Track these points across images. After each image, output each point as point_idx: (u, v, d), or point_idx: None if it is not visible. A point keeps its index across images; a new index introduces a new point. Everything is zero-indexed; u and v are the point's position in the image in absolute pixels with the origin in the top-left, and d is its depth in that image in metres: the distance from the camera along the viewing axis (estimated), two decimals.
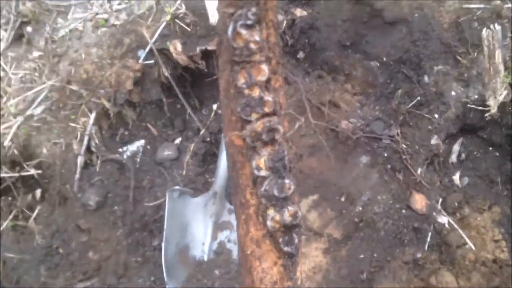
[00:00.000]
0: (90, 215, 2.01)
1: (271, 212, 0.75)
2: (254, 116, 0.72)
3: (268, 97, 0.71)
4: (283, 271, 0.80)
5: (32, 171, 2.10)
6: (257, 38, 0.68)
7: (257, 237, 0.79)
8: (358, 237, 1.76)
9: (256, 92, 0.71)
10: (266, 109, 0.71)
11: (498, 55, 1.74)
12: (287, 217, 0.75)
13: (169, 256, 1.83)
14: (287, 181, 0.73)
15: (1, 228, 2.06)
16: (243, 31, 0.67)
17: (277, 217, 0.75)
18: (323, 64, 2.05)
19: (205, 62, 2.14)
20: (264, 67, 0.70)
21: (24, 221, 2.08)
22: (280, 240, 0.77)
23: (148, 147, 2.15)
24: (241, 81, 0.70)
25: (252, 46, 0.68)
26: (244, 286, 0.84)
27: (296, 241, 0.79)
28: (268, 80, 0.72)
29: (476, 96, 1.79)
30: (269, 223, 0.76)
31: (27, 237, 2.04)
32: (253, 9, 0.67)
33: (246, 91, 0.71)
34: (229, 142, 0.78)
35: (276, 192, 0.73)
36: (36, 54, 2.36)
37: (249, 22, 0.67)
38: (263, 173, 0.74)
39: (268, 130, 0.72)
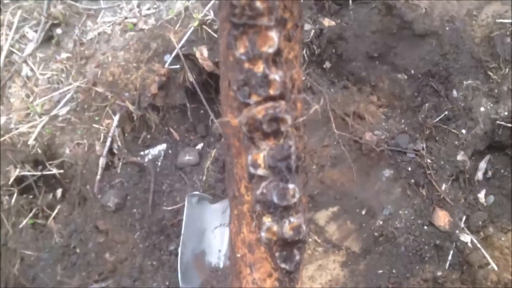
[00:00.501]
0: (108, 216, 2.13)
1: (267, 220, 0.63)
2: (254, 98, 0.57)
3: (275, 75, 0.56)
4: (278, 286, 0.68)
5: (54, 171, 2.25)
6: None
7: (250, 240, 0.67)
8: (377, 251, 1.82)
9: (260, 67, 0.55)
10: (271, 91, 0.57)
11: None
12: (287, 230, 0.62)
13: (185, 261, 1.93)
14: (291, 186, 0.60)
15: (21, 226, 2.20)
16: None
17: (274, 228, 0.63)
18: (349, 74, 2.14)
19: None
20: (273, 35, 0.54)
21: (44, 220, 2.22)
22: (277, 254, 0.66)
23: (170, 151, 2.27)
24: (240, 50, 0.55)
25: (258, 4, 0.52)
26: None
27: (297, 258, 0.66)
28: (277, 52, 0.56)
29: (506, 113, 1.84)
30: (263, 234, 0.64)
31: (46, 235, 2.18)
32: None
33: (246, 65, 0.56)
34: (224, 121, 0.65)
35: (275, 199, 0.60)
36: (64, 55, 2.53)
37: None
38: (260, 172, 0.60)
39: (270, 119, 0.57)
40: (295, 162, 0.60)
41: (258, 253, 0.67)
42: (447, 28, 1.94)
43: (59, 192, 2.27)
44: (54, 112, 2.35)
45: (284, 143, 0.59)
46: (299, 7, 0.60)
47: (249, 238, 0.68)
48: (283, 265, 0.66)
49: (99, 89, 2.30)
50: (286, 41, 0.59)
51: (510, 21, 1.94)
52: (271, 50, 0.55)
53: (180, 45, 2.31)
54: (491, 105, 1.87)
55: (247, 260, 0.68)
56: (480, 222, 1.83)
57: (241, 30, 0.54)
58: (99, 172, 2.21)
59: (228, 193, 0.70)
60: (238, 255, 0.70)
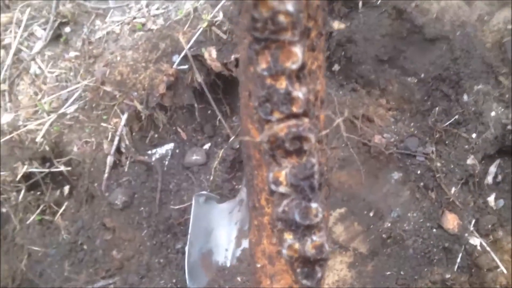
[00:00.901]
0: (116, 214, 2.18)
1: (289, 237, 0.63)
2: (276, 115, 0.56)
3: (299, 92, 0.55)
4: None
5: (62, 168, 2.30)
6: (290, 7, 0.50)
7: (270, 252, 0.68)
8: (385, 253, 1.86)
9: (282, 84, 0.54)
10: (294, 109, 0.56)
11: None
12: (309, 249, 0.62)
13: (192, 259, 1.97)
14: (314, 205, 0.59)
15: (28, 222, 2.25)
16: None
17: (296, 246, 0.63)
18: (358, 77, 2.19)
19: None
20: (297, 51, 0.53)
21: (51, 216, 2.27)
22: (299, 270, 0.66)
23: (177, 151, 2.32)
24: (262, 65, 0.54)
25: (282, 19, 0.50)
26: None
27: (319, 275, 0.66)
28: (301, 68, 0.55)
29: None
30: (285, 252, 0.64)
31: (53, 232, 2.22)
32: None
33: (268, 80, 0.54)
34: (244, 128, 0.65)
35: (297, 218, 0.60)
36: (72, 54, 2.59)
37: None
38: (282, 189, 0.60)
39: (293, 137, 0.57)
40: (318, 180, 0.59)
41: (279, 265, 0.67)
42: (458, 33, 1.99)
43: (66, 189, 2.32)
44: (62, 110, 2.40)
45: (306, 161, 0.58)
46: (324, 15, 0.58)
47: (269, 250, 0.68)
48: (304, 281, 0.66)
49: (107, 88, 2.35)
50: (309, 51, 0.58)
51: None
52: (294, 66, 0.53)
53: (188, 45, 2.36)
54: (502, 110, 1.92)
55: (267, 271, 0.69)
56: (489, 226, 1.88)
57: (263, 45, 0.53)
58: (107, 170, 2.25)
59: (248, 201, 0.71)
60: (258, 265, 0.70)
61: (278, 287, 0.69)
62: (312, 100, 0.59)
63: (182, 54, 2.38)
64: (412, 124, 2.08)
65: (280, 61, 0.53)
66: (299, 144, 0.57)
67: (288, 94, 0.55)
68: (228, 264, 2.00)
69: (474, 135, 1.92)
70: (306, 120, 0.57)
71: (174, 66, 2.38)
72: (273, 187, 0.61)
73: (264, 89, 0.55)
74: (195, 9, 2.50)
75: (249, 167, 0.67)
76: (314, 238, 0.62)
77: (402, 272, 1.81)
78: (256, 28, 0.52)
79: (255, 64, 0.54)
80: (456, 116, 1.96)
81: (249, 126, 0.62)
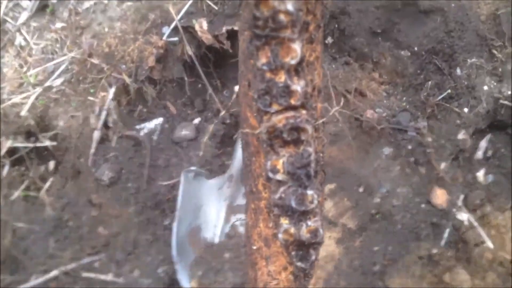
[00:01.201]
0: (102, 190, 2.21)
1: (285, 222, 0.68)
2: (275, 107, 0.61)
3: (297, 85, 0.59)
4: (292, 280, 0.74)
5: (47, 143, 2.32)
6: (290, 7, 0.53)
7: (267, 235, 0.73)
8: (373, 229, 1.90)
9: (281, 78, 0.59)
10: (292, 101, 0.60)
11: None
12: (304, 233, 0.67)
13: (179, 236, 2.01)
14: (309, 192, 0.64)
15: (12, 198, 2.28)
16: None
17: (292, 230, 0.67)
18: (351, 50, 2.20)
19: (230, 43, 2.31)
20: (296, 47, 0.57)
21: (36, 192, 2.30)
22: (293, 253, 0.71)
23: (166, 125, 2.34)
24: (262, 60, 0.58)
25: (282, 17, 0.54)
26: (249, 279, 0.80)
27: (313, 257, 0.72)
28: (300, 62, 0.59)
29: (509, 92, 1.91)
30: (280, 236, 0.69)
31: (38, 207, 2.25)
32: None
33: (268, 74, 0.59)
34: (243, 116, 0.69)
35: (294, 204, 0.64)
36: (59, 25, 2.58)
37: None
38: (279, 177, 0.65)
39: (290, 128, 0.61)
40: (314, 169, 0.64)
41: (274, 247, 0.72)
42: (452, 5, 2.00)
43: (51, 164, 2.35)
44: (48, 83, 2.41)
45: (303, 151, 0.63)
46: (322, 8, 0.63)
47: (265, 233, 0.73)
48: (298, 264, 0.72)
49: (95, 60, 2.36)
50: (308, 44, 0.62)
51: None
52: (293, 62, 0.58)
53: (179, 17, 2.36)
54: (495, 83, 1.94)
55: (263, 253, 0.73)
56: (478, 201, 1.92)
57: (264, 41, 0.57)
58: (93, 145, 2.28)
59: (245, 186, 0.75)
60: (254, 247, 0.75)
61: (273, 268, 0.74)
62: (309, 92, 0.63)
63: (172, 26, 2.38)
64: (404, 98, 2.10)
65: (279, 57, 0.57)
66: (297, 135, 0.62)
67: (286, 87, 0.59)
68: (217, 241, 2.04)
69: (466, 110, 1.94)
70: (303, 111, 0.62)
71: (164, 38, 2.38)
72: (270, 174, 0.65)
73: (264, 83, 0.59)
74: None
75: (247, 153, 0.72)
76: (309, 223, 0.66)
77: (389, 248, 1.85)
78: (257, 26, 0.55)
79: (255, 59, 0.59)
80: (449, 91, 1.98)
81: (248, 114, 0.67)
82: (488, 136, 2.01)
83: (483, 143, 2.00)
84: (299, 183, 0.64)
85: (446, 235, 1.88)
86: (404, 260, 1.82)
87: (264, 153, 0.66)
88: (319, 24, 0.64)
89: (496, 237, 1.85)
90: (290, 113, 0.61)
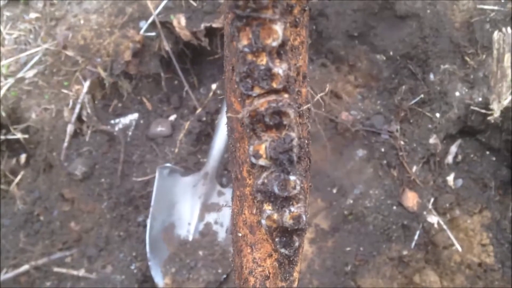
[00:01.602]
0: (75, 185, 2.15)
1: (268, 208, 0.66)
2: (256, 90, 0.59)
3: (279, 68, 0.58)
4: (277, 267, 0.73)
5: (19, 135, 2.24)
6: None
7: (251, 222, 0.71)
8: (346, 229, 1.91)
9: (263, 60, 0.57)
10: (274, 84, 0.58)
11: (507, 59, 1.89)
12: (287, 219, 0.65)
13: (153, 232, 1.98)
14: (292, 177, 0.62)
15: None
16: None
17: (275, 216, 0.66)
18: (328, 53, 2.20)
19: (208, 40, 2.27)
20: (278, 28, 0.55)
21: (6, 186, 2.22)
22: (277, 239, 0.70)
23: (141, 121, 2.29)
24: (243, 42, 0.56)
25: None
26: (235, 266, 0.79)
27: (297, 244, 0.70)
28: (282, 44, 0.57)
29: (480, 99, 1.94)
30: (264, 222, 0.67)
31: (8, 201, 2.18)
32: None
33: (249, 57, 0.57)
34: (227, 102, 0.68)
35: (276, 190, 0.63)
36: (33, 15, 2.49)
37: None
38: (262, 162, 0.63)
39: (272, 112, 0.59)
40: (297, 154, 0.62)
41: (259, 234, 0.71)
42: (428, 11, 2.01)
43: (23, 157, 2.27)
44: (20, 75, 2.33)
45: (286, 136, 0.61)
46: None
47: (250, 220, 0.71)
48: (282, 250, 0.70)
49: (69, 52, 2.29)
50: (292, 28, 0.60)
51: (490, 7, 2.02)
52: (275, 44, 0.56)
53: (157, 11, 2.31)
54: (466, 90, 1.96)
55: (248, 240, 0.72)
56: (447, 204, 1.94)
57: (244, 22, 0.55)
58: (67, 139, 2.21)
59: (231, 171, 0.74)
60: (240, 235, 0.74)
61: (258, 255, 0.72)
62: (293, 76, 0.61)
63: (150, 20, 2.32)
64: (378, 102, 2.11)
65: (260, 38, 0.55)
66: (279, 119, 0.60)
67: (268, 70, 0.57)
68: (190, 238, 2.02)
69: (437, 115, 1.96)
70: (286, 95, 0.60)
71: (141, 32, 2.32)
72: (253, 160, 0.63)
73: (245, 65, 0.57)
74: None
75: (232, 139, 0.70)
76: (292, 209, 0.64)
77: (361, 248, 1.86)
78: (237, 6, 0.54)
79: (236, 41, 0.57)
80: (422, 95, 1.99)
81: (232, 99, 0.65)
82: (459, 141, 2.04)
83: (453, 148, 2.03)
84: (282, 169, 0.62)
85: (416, 237, 1.90)
86: (375, 261, 1.83)
87: (247, 138, 0.65)
88: (304, 8, 0.61)
89: (465, 240, 1.88)
90: (272, 97, 0.59)
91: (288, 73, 0.58)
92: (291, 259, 0.72)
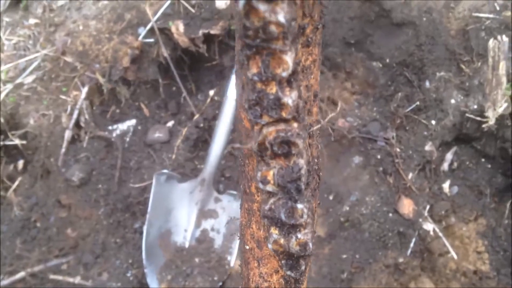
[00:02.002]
0: (72, 191, 2.14)
1: (275, 232, 0.65)
2: (265, 119, 0.57)
3: (288, 98, 0.55)
4: (283, 284, 0.73)
5: (17, 141, 2.23)
6: (281, 18, 0.49)
7: (259, 237, 0.71)
8: (342, 236, 1.90)
9: (273, 89, 0.55)
10: (283, 114, 0.56)
11: (502, 67, 1.88)
12: (293, 245, 0.64)
13: (150, 239, 1.97)
14: (300, 206, 0.61)
15: None
16: (261, 7, 0.49)
17: (281, 241, 0.65)
18: (325, 59, 2.19)
19: (206, 46, 2.27)
20: (288, 59, 0.53)
21: (4, 191, 2.21)
22: (283, 262, 0.69)
23: (139, 127, 2.28)
24: (253, 70, 0.54)
25: (273, 29, 0.50)
26: (242, 274, 0.79)
27: (303, 267, 0.69)
28: (292, 74, 0.55)
29: (475, 106, 1.94)
30: (270, 246, 0.66)
31: (5, 207, 2.17)
32: None
33: (259, 85, 0.55)
34: (237, 114, 0.66)
35: (283, 217, 0.62)
36: (32, 21, 2.49)
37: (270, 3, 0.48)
38: (270, 188, 0.62)
39: (281, 141, 0.58)
40: (304, 183, 0.61)
41: (266, 250, 0.70)
42: (424, 19, 2.01)
43: (20, 163, 2.27)
44: (19, 80, 2.32)
45: (294, 165, 0.59)
46: (320, 8, 0.58)
47: (257, 235, 0.71)
48: (288, 272, 0.69)
49: (68, 58, 2.29)
50: (304, 48, 0.58)
51: (486, 15, 2.02)
52: (285, 74, 0.54)
53: (155, 18, 2.30)
54: (462, 97, 1.96)
55: (255, 254, 0.72)
56: (443, 212, 1.93)
57: (254, 51, 0.53)
58: (64, 145, 2.20)
59: (239, 183, 0.73)
60: (247, 247, 0.73)
61: (265, 270, 0.72)
62: (302, 105, 0.59)
63: (148, 27, 2.32)
64: (375, 109, 2.10)
65: (270, 68, 0.54)
66: (287, 148, 0.58)
67: (277, 99, 0.55)
68: (187, 245, 2.00)
69: (433, 122, 1.96)
70: (295, 125, 0.58)
71: (140, 38, 2.32)
72: (261, 185, 0.62)
73: (255, 93, 0.56)
74: None
75: (241, 154, 0.68)
76: (299, 235, 0.64)
77: (357, 255, 1.85)
78: (247, 36, 0.52)
79: (246, 69, 0.55)
80: (417, 103, 1.99)
81: (242, 115, 0.64)
82: (454, 149, 2.03)
83: (449, 155, 2.02)
84: (289, 196, 0.61)
85: (412, 244, 1.89)
86: (371, 268, 1.82)
87: (256, 162, 0.64)
88: (317, 26, 0.60)
89: (460, 247, 1.87)
90: (281, 126, 0.57)
91: (298, 102, 0.57)
92: (297, 279, 0.72)
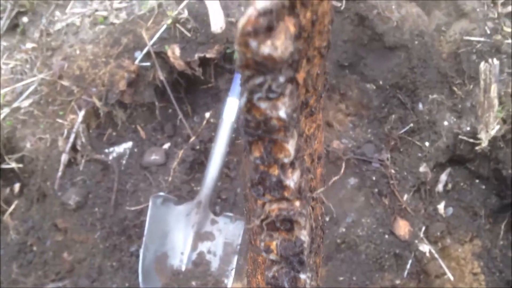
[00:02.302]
0: (68, 214, 2.13)
1: None
2: (267, 197, 0.58)
3: (291, 181, 0.56)
4: None
5: (13, 165, 2.23)
6: (282, 114, 0.50)
7: (263, 284, 0.72)
8: (338, 258, 1.90)
9: (275, 171, 0.56)
10: (286, 194, 0.57)
11: (494, 90, 1.91)
12: None
13: (146, 262, 1.96)
14: (303, 276, 0.62)
15: None
16: (262, 105, 0.50)
17: None
18: None
19: (202, 69, 2.30)
20: (290, 147, 0.53)
21: (0, 215, 2.20)
22: None
23: (135, 150, 2.29)
24: (255, 154, 0.55)
25: (275, 123, 0.51)
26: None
27: None
28: (294, 158, 0.56)
29: (468, 128, 1.96)
30: None
31: (1, 231, 2.16)
32: (281, 79, 0.47)
33: (262, 167, 0.56)
34: (244, 185, 0.68)
35: (286, 286, 0.63)
36: (29, 45, 2.52)
37: (272, 96, 0.49)
38: (273, 257, 0.62)
39: (283, 219, 0.59)
40: (307, 255, 0.61)
41: None
42: (416, 42, 2.05)
43: (17, 186, 2.26)
44: (16, 104, 2.33)
45: (296, 239, 0.60)
46: (324, 78, 0.58)
47: (262, 285, 0.71)
48: None
49: (65, 82, 2.31)
50: (307, 118, 0.59)
51: (477, 38, 2.06)
52: (286, 160, 0.55)
53: (151, 42, 2.33)
54: (454, 119, 1.99)
55: None
56: (438, 233, 1.94)
57: (256, 138, 0.54)
58: (61, 168, 2.21)
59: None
60: (253, 286, 0.74)
61: None
62: (304, 183, 0.60)
63: (145, 51, 2.35)
64: (369, 130, 2.13)
65: (272, 153, 0.54)
66: (289, 225, 0.59)
67: (280, 182, 0.56)
68: (183, 268, 2.00)
69: (427, 144, 1.98)
70: (297, 203, 0.58)
71: (136, 62, 2.34)
72: (264, 254, 0.63)
73: (257, 173, 0.57)
74: (160, 5, 2.47)
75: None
76: None
77: (354, 278, 1.85)
78: (249, 127, 0.53)
79: (248, 153, 0.56)
80: (411, 124, 2.01)
81: (247, 189, 0.66)
82: (448, 170, 2.05)
83: (443, 177, 2.04)
84: (292, 267, 0.62)
85: (408, 266, 1.89)
86: None
87: (259, 233, 0.65)
88: (320, 95, 0.60)
89: (456, 269, 1.88)
90: (283, 204, 0.58)
91: (300, 183, 0.57)
92: None
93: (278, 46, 0.44)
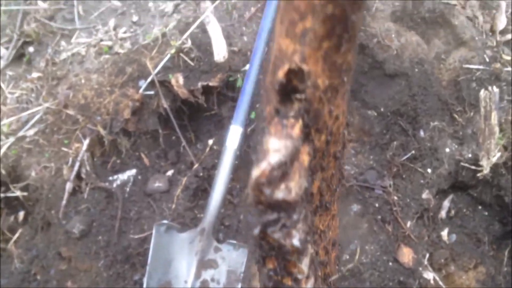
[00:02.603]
0: (72, 243, 2.15)
1: None
2: None
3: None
4: None
5: (18, 193, 2.26)
6: (295, 242, 0.50)
7: None
8: (343, 286, 1.90)
9: (288, 282, 0.56)
10: None
11: (494, 117, 1.94)
12: None
13: None
14: None
15: None
16: (276, 236, 0.50)
17: None
18: None
19: (205, 97, 2.34)
20: (304, 267, 0.54)
21: (4, 243, 2.22)
22: None
23: (139, 177, 2.32)
24: (269, 267, 0.56)
25: (288, 248, 0.52)
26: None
27: None
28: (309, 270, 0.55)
29: (469, 155, 1.99)
30: None
31: (5, 260, 2.17)
32: (295, 216, 0.48)
33: (275, 277, 0.57)
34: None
35: None
36: (35, 75, 2.57)
37: (285, 229, 0.49)
38: None
39: None
40: None
41: None
42: (416, 70, 2.09)
43: (21, 215, 2.28)
44: (21, 133, 2.37)
45: None
46: (341, 173, 0.59)
47: None
48: None
49: (70, 111, 2.35)
50: (322, 214, 0.60)
51: (476, 66, 2.11)
52: (300, 277, 0.55)
53: (156, 71, 2.38)
54: (456, 146, 2.01)
55: None
56: (442, 260, 1.95)
57: (270, 254, 0.53)
58: (65, 197, 2.23)
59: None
60: None
61: None
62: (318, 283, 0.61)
63: (149, 80, 2.39)
64: (371, 157, 2.15)
65: (286, 269, 0.55)
66: None
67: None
68: None
69: (429, 170, 2.00)
70: None
71: (140, 91, 2.39)
72: None
73: (271, 282, 0.57)
74: (164, 35, 2.52)
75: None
76: None
77: None
78: (262, 248, 0.53)
79: (261, 265, 0.57)
80: (413, 151, 2.04)
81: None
82: (451, 196, 2.07)
83: (446, 203, 2.05)
84: None
85: None
86: None
87: None
88: (336, 189, 0.60)
89: None
90: None
91: (314, 286, 0.57)
92: None
93: (292, 187, 0.44)
